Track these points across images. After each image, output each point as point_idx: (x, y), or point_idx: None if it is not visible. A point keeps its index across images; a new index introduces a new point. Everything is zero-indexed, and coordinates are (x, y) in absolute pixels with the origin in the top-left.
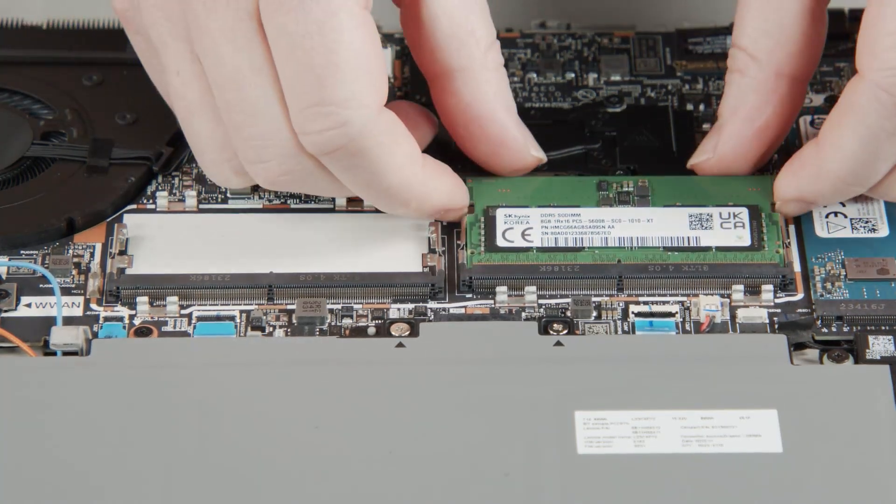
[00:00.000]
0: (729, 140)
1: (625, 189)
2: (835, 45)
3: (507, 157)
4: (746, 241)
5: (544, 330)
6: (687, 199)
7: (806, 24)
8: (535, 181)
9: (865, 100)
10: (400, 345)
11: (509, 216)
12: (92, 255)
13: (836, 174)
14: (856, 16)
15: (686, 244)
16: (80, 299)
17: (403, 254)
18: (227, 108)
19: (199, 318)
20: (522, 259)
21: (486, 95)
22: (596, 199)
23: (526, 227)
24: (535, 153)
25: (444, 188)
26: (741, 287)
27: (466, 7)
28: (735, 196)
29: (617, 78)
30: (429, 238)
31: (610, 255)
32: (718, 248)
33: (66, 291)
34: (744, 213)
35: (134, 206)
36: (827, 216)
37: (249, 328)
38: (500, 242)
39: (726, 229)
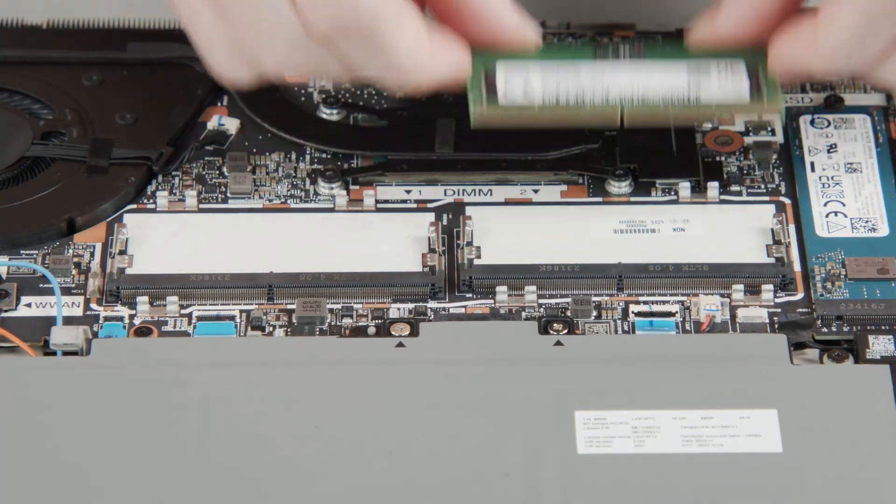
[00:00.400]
0: (729, 16)
1: (621, 53)
2: None
3: (507, 36)
4: (745, 96)
5: (544, 330)
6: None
7: None
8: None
9: None
10: (400, 345)
11: (509, 70)
12: (92, 254)
13: (830, 50)
14: None
15: (686, 101)
16: (80, 299)
17: (403, 253)
18: (231, 3)
19: (199, 318)
20: (525, 114)
21: None
22: (592, 56)
23: (525, 82)
24: (530, 33)
25: (452, 58)
26: (741, 287)
27: None
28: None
29: None
30: (429, 238)
31: (612, 110)
32: (718, 105)
33: (66, 291)
34: (741, 65)
35: (134, 206)
36: (827, 216)
37: (249, 328)
38: (502, 101)
39: (724, 80)
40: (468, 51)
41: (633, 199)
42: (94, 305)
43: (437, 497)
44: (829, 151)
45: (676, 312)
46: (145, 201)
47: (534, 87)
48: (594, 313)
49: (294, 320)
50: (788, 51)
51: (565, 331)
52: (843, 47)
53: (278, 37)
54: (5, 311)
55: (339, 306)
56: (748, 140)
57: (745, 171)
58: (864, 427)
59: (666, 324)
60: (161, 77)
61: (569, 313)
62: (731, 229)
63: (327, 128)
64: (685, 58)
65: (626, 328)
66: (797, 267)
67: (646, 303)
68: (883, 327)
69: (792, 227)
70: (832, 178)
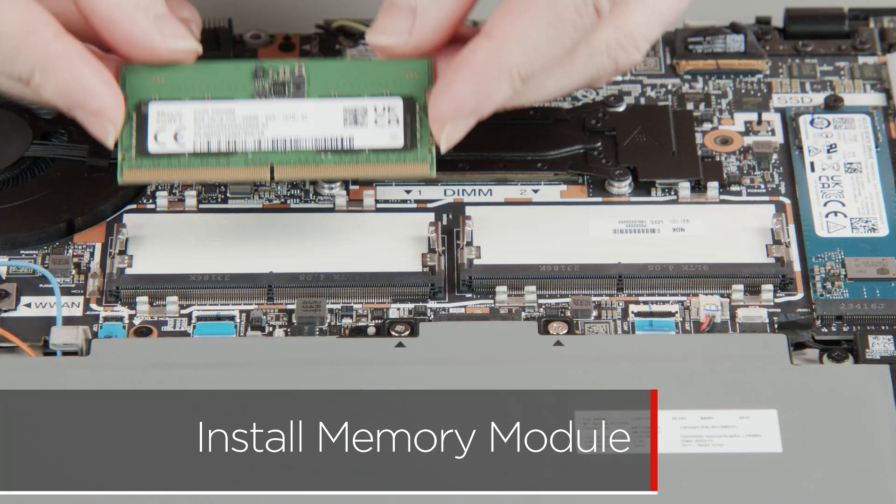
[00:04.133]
0: (426, 30)
1: (281, 79)
2: (835, 43)
3: (139, 52)
4: (400, 142)
5: (544, 330)
6: (343, 87)
7: None
8: (189, 69)
9: None
10: (400, 345)
11: (162, 114)
12: (92, 255)
13: (517, 68)
14: (855, 15)
15: (340, 146)
16: (80, 299)
17: (403, 253)
18: None
19: (199, 318)
20: (174, 165)
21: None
22: (252, 89)
23: (178, 126)
24: (172, 44)
25: (75, 79)
26: (741, 287)
27: None
28: (392, 82)
29: (617, 77)
30: (429, 238)
31: (263, 160)
32: (371, 151)
33: (66, 291)
34: (399, 105)
35: (134, 206)
36: (827, 216)
37: (249, 328)
38: (152, 147)
39: (381, 127)
40: (99, 85)
41: (632, 199)
42: (93, 306)
43: (437, 497)
44: (828, 151)
45: (676, 312)
46: (145, 201)
47: (186, 131)
48: (594, 313)
49: (294, 320)
50: (455, 96)
51: (565, 331)
52: (527, 66)
53: None
54: (5, 311)
55: (338, 306)
56: (748, 140)
57: (744, 171)
58: (864, 427)
59: (666, 324)
60: None
61: (569, 313)
62: (730, 229)
63: None
64: (347, 77)
65: (625, 328)
66: (797, 267)
67: (646, 303)
68: (883, 327)
69: (792, 227)
70: (832, 177)
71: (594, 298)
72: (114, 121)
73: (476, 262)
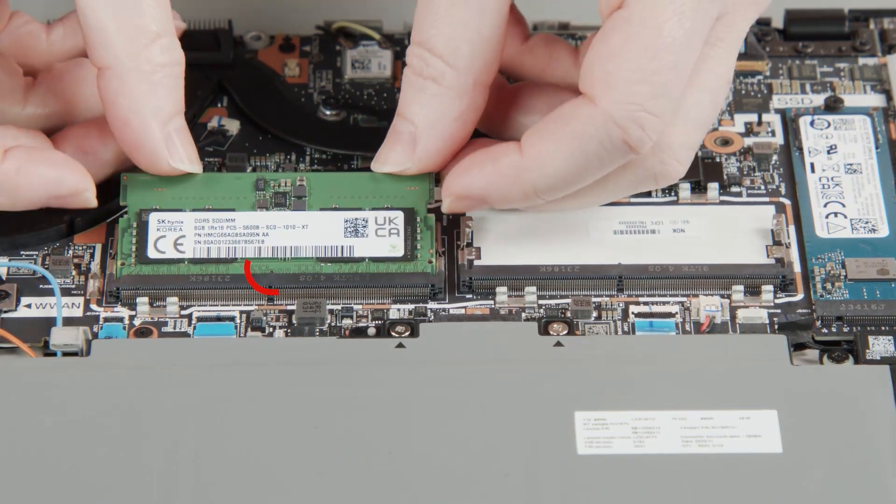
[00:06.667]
0: (428, 155)
1: (282, 189)
2: (835, 45)
3: (144, 162)
4: (400, 251)
5: (544, 330)
6: (344, 200)
7: (501, 31)
8: (190, 180)
9: (594, 129)
10: (400, 345)
11: (162, 222)
12: (92, 255)
13: (534, 187)
14: (856, 16)
15: (340, 255)
16: (80, 300)
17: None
18: None
19: (199, 319)
20: (174, 271)
21: (125, 99)
22: (253, 200)
23: (179, 235)
24: (177, 165)
25: (38, 180)
26: (741, 287)
27: (118, 2)
28: (393, 196)
29: None
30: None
31: (263, 267)
32: (371, 259)
33: (66, 292)
34: (399, 217)
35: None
36: (827, 217)
37: (249, 329)
38: (152, 254)
39: (381, 237)
40: (73, 169)
41: (632, 199)
42: (93, 306)
43: (437, 498)
44: (828, 152)
45: (676, 313)
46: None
47: (186, 238)
48: (594, 314)
49: (294, 321)
50: (480, 182)
51: (565, 331)
52: (547, 190)
53: None
54: (5, 311)
55: (339, 307)
56: (748, 141)
57: (745, 172)
58: (864, 427)
59: (666, 324)
60: None
61: (569, 314)
62: (731, 230)
63: (327, 128)
64: (348, 190)
65: (626, 329)
66: (797, 267)
67: (646, 303)
68: (883, 328)
69: (792, 228)
70: (832, 178)
71: (594, 299)
72: (87, 188)
73: (476, 262)
